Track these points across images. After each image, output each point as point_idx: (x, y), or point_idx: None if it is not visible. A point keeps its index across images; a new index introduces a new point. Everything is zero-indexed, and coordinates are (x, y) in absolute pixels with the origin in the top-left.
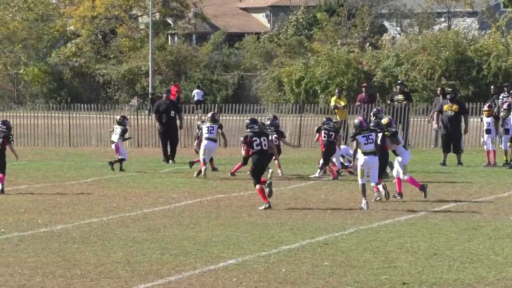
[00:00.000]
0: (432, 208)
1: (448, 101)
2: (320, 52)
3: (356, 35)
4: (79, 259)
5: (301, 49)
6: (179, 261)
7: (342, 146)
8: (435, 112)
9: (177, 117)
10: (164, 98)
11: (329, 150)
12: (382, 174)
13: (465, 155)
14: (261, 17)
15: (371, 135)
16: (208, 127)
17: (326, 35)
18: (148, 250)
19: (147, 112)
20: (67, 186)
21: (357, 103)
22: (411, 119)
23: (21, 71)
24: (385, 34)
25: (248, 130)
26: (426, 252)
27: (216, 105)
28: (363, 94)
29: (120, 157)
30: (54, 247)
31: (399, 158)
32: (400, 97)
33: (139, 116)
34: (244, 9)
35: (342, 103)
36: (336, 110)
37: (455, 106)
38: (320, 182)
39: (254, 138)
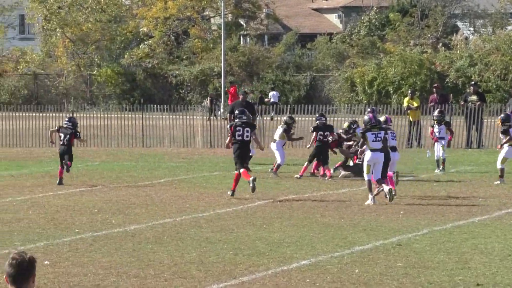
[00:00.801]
0: (506, 209)
1: None
2: (393, 53)
3: (429, 35)
4: (153, 259)
5: (374, 50)
6: (252, 262)
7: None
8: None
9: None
10: (240, 100)
11: (321, 149)
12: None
13: None
14: (333, 18)
15: (380, 133)
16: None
17: (399, 35)
18: (221, 251)
19: (207, 112)
20: (140, 187)
21: (430, 104)
22: (485, 120)
23: (94, 72)
24: (455, 34)
25: (237, 120)
26: (500, 253)
27: (289, 106)
28: (435, 95)
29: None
30: (128, 247)
31: None
32: (474, 97)
33: (212, 117)
34: (317, 9)
35: (415, 104)
36: (409, 111)
37: None
38: None
39: (238, 128)
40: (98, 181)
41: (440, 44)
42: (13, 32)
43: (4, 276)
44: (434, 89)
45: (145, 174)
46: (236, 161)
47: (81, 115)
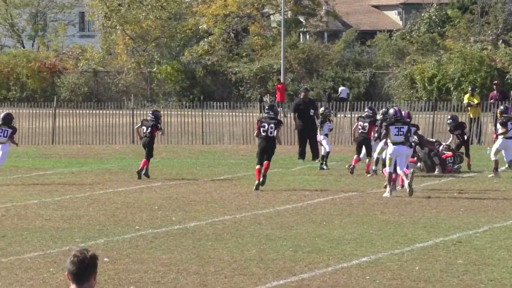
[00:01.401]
0: None
1: None
2: (453, 50)
3: (489, 32)
4: (213, 256)
5: (434, 47)
6: (312, 259)
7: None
8: None
9: (315, 116)
10: (302, 97)
11: (362, 141)
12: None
13: None
14: (393, 15)
15: (403, 127)
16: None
17: (459, 32)
18: (281, 248)
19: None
20: (200, 184)
21: (490, 101)
22: None
23: (154, 70)
24: None
25: (265, 114)
26: None
27: (348, 103)
28: (495, 91)
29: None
30: (188, 244)
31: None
32: None
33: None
34: (376, 6)
35: (476, 101)
36: (469, 108)
37: None
38: (453, 180)
39: (263, 124)
40: (158, 178)
41: (500, 41)
42: (73, 29)
43: (66, 273)
44: (494, 86)
45: (205, 171)
46: (258, 156)
47: (141, 112)
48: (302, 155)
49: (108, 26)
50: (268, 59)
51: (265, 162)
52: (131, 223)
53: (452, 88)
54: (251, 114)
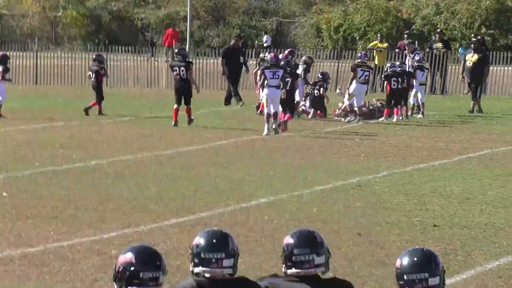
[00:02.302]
0: (467, 154)
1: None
2: (360, 0)
3: None
4: (112, 193)
5: None
6: (212, 198)
7: None
8: None
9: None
10: (232, 44)
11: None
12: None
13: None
14: None
15: (278, 71)
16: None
17: None
18: (181, 187)
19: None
20: (103, 125)
21: (396, 50)
22: (449, 67)
23: (59, 14)
24: None
25: (175, 59)
26: (459, 196)
27: (254, 50)
28: (404, 41)
29: None
30: (87, 182)
31: None
32: (439, 45)
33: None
34: None
35: (385, 45)
36: (376, 55)
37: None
38: (356, 126)
39: (174, 68)
40: (61, 118)
41: None
42: None
43: None
44: (405, 35)
45: (108, 113)
46: (175, 97)
47: (45, 54)
48: (228, 100)
49: None
50: (175, 6)
51: (185, 107)
52: (32, 161)
53: (357, 38)
54: (156, 59)
